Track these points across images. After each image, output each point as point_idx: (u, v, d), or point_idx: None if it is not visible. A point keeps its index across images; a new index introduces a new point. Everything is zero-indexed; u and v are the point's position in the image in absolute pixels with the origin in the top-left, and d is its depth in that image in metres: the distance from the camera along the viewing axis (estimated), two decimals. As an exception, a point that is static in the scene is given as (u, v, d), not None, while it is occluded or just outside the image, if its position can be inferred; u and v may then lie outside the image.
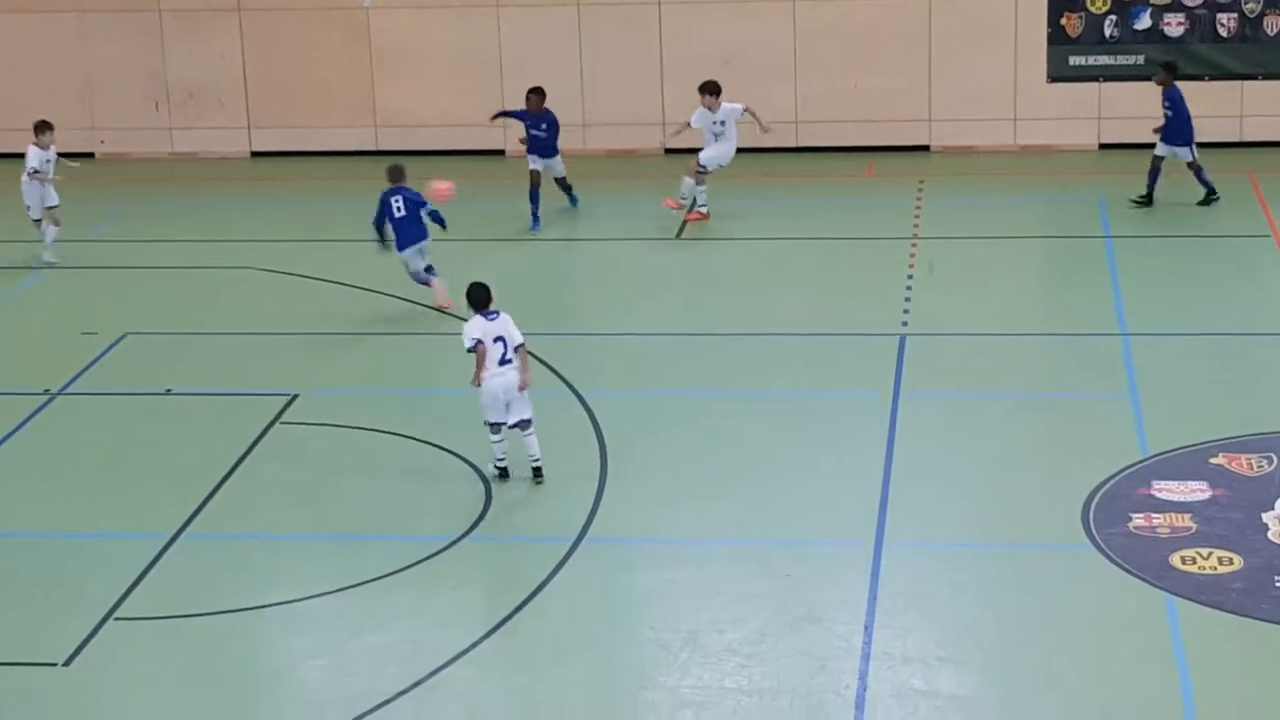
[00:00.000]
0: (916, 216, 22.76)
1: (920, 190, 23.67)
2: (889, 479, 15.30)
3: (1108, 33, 25.21)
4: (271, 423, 16.87)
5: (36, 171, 21.70)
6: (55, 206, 21.88)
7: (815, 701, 12.20)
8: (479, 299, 15.45)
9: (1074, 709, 12.13)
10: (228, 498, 15.39)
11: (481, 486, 15.34)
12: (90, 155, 26.51)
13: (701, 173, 22.15)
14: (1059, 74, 25.19)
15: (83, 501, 15.52)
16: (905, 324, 18.91)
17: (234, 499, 15.40)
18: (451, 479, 15.44)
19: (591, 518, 14.80)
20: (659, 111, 25.92)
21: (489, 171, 24.96)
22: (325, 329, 19.54)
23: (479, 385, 15.40)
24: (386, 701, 12.36)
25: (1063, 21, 25.19)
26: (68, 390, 18.12)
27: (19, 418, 17.32)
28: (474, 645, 13.01)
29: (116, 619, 13.51)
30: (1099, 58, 25.20)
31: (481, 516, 14.87)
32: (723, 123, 22.06)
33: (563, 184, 23.23)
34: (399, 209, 19.73)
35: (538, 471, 15.48)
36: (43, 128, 21.86)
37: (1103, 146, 25.27)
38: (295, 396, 17.36)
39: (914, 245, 21.61)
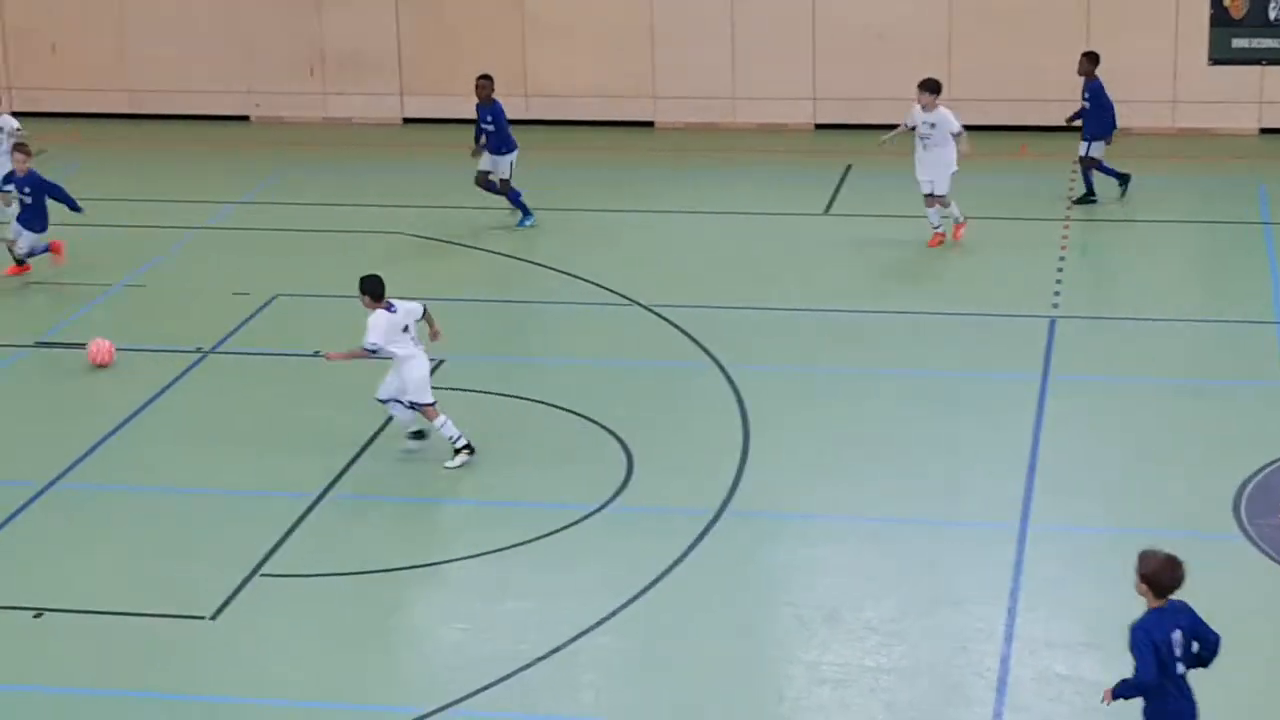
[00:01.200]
0: (1070, 198, 22.53)
1: (1074, 172, 23.32)
2: (1035, 462, 15.12)
3: (1272, 15, 24.72)
4: None
5: None
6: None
7: (955, 682, 12.10)
8: (375, 291, 15.14)
9: (1219, 698, 11.91)
10: (372, 460, 15.53)
11: (624, 455, 15.34)
12: (245, 119, 26.91)
13: (939, 198, 20.68)
14: (1221, 56, 24.72)
15: (231, 459, 15.71)
16: (1056, 306, 18.72)
17: (378, 461, 15.54)
18: (593, 448, 15.47)
19: (733, 491, 14.76)
20: (810, 86, 25.89)
21: (638, 142, 25.01)
22: (472, 296, 19.66)
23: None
24: (524, 667, 12.39)
25: (1226, 3, 24.73)
26: (218, 349, 18.36)
27: (171, 375, 17.57)
28: (613, 614, 13.02)
29: (262, 575, 13.68)
30: (1263, 40, 24.72)
31: (623, 486, 14.87)
32: (933, 125, 20.34)
33: (505, 189, 21.64)
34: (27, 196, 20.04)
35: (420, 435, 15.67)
36: None
37: (1264, 131, 24.83)
38: (441, 362, 17.37)
39: (1066, 227, 21.37)
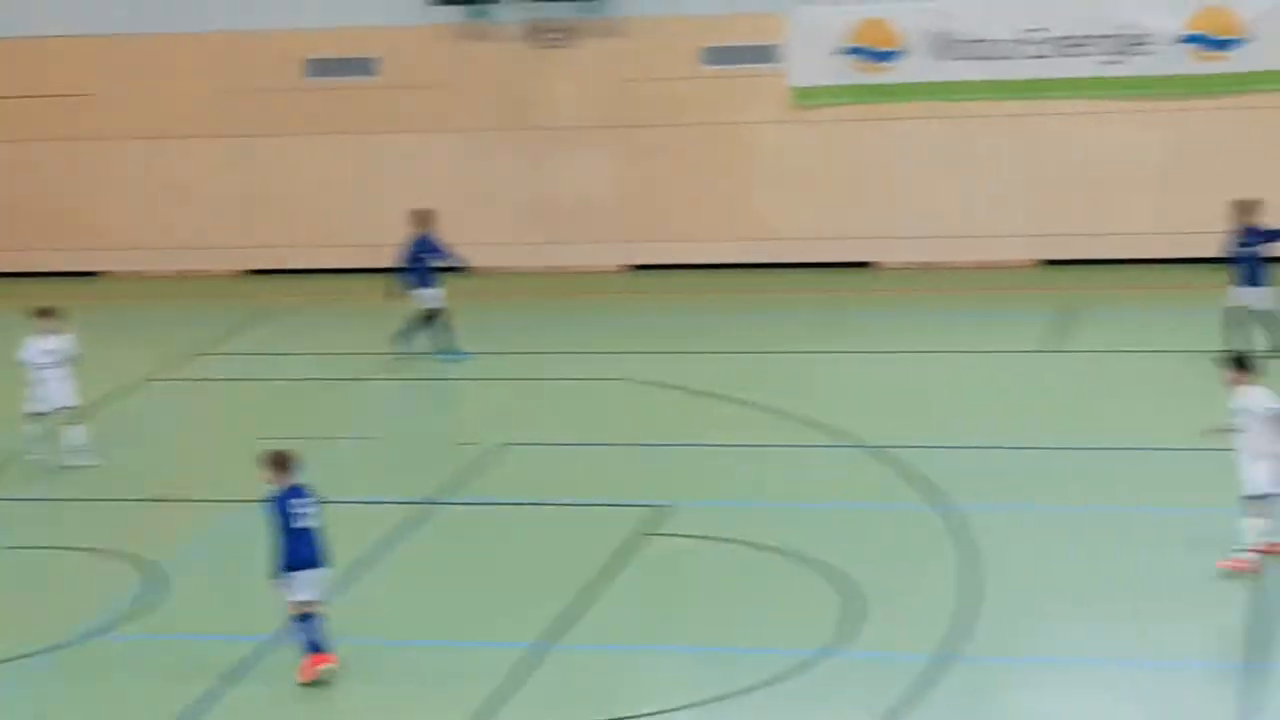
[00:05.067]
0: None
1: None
2: (1267, 597, 15.18)
3: None
4: (640, 534, 17.05)
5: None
6: (69, 408, 19.63)
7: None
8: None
9: None
10: (595, 608, 15.52)
11: (849, 600, 15.41)
12: (467, 270, 25.39)
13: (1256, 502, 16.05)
14: None
15: (454, 609, 15.60)
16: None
17: (601, 610, 15.53)
18: (817, 592, 15.59)
19: (959, 635, 14.81)
20: (1032, 222, 26.56)
21: (859, 284, 25.73)
22: (695, 441, 19.81)
23: None
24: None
25: None
26: (443, 500, 18.26)
27: (396, 527, 17.40)
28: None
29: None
30: None
31: (848, 631, 14.92)
32: (1245, 412, 15.90)
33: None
34: None
35: None
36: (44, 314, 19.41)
37: None
38: (663, 508, 17.58)
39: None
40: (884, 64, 26.39)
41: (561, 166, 27.42)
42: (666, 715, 13.69)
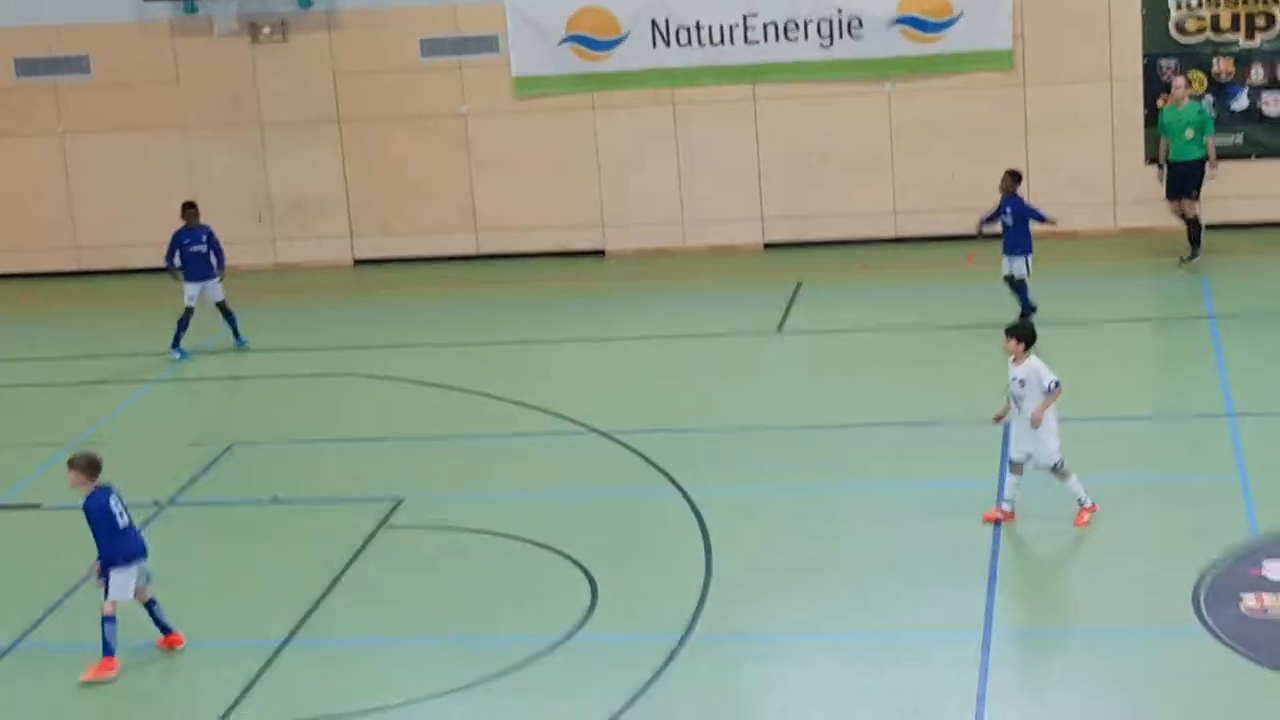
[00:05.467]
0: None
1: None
2: (996, 566, 15.77)
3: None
4: (378, 527, 17.01)
5: None
6: None
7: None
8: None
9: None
10: (336, 603, 15.50)
11: (587, 584, 15.65)
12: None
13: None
14: (1157, 155, 25.28)
15: (192, 610, 15.35)
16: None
17: (342, 604, 15.51)
18: (557, 578, 15.78)
19: (697, 615, 15.10)
20: (757, 206, 26.70)
21: (589, 271, 25.60)
22: (429, 433, 19.69)
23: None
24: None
25: (1159, 104, 25.57)
26: (176, 501, 17.99)
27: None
28: (581, 747, 13.40)
29: (225, 728, 13.64)
30: (1190, 140, 25.97)
31: (588, 615, 15.15)
32: (1022, 383, 16.24)
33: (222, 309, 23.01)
34: None
35: None
36: None
37: (1205, 227, 25.34)
38: (401, 501, 17.52)
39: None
40: (604, 52, 26.51)
41: (283, 162, 27.15)
42: (411, 706, 13.73)
